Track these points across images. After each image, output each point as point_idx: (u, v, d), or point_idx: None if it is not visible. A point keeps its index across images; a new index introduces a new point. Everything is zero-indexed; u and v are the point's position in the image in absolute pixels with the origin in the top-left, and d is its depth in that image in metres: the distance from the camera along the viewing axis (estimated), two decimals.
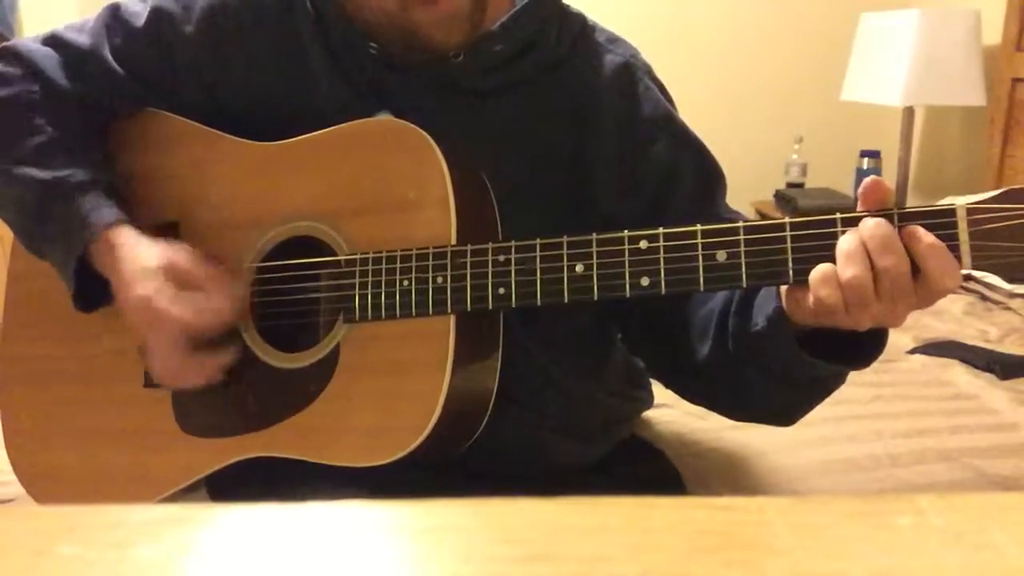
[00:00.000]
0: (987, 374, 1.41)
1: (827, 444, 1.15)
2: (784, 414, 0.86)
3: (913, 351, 1.53)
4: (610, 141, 0.86)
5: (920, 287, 0.65)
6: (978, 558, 0.31)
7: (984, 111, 2.42)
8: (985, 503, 0.36)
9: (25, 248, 0.91)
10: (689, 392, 0.93)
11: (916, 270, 0.64)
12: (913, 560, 0.31)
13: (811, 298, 0.67)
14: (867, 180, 0.67)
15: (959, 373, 1.42)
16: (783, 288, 0.71)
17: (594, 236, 0.73)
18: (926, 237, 0.64)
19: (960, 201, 0.64)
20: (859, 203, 0.67)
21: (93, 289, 0.85)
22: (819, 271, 0.66)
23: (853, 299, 0.64)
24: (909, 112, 2.55)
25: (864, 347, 0.72)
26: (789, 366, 0.74)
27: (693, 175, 0.88)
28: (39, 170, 0.86)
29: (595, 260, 0.73)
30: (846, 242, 0.65)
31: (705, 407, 0.93)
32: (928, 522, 0.33)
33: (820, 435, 1.17)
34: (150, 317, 0.80)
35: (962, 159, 2.69)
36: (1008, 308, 1.77)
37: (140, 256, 0.82)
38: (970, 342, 1.56)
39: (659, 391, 1.05)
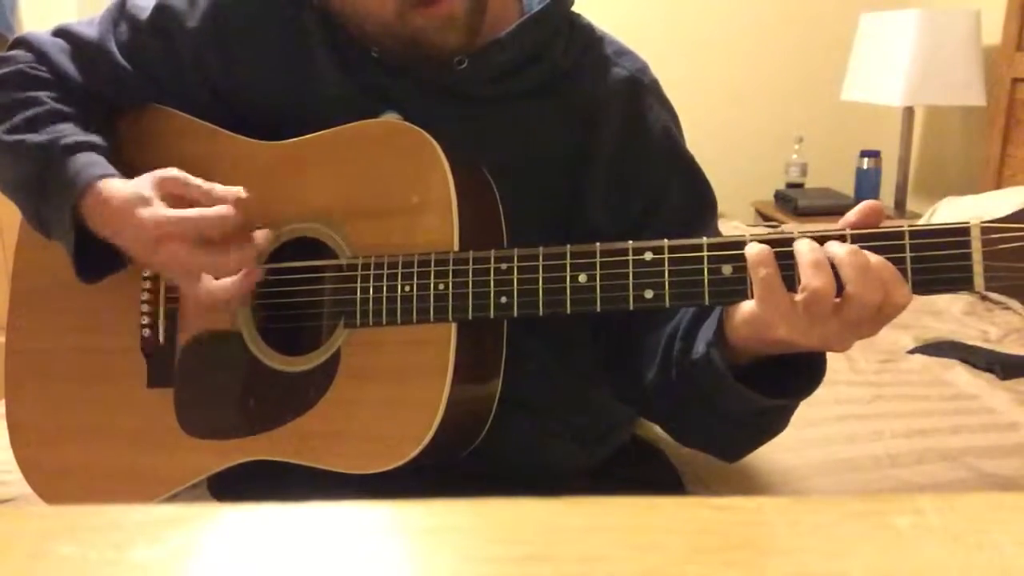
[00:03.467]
0: (987, 374, 1.41)
1: (827, 444, 1.15)
2: (723, 448, 0.85)
3: (913, 351, 1.53)
4: (607, 156, 0.85)
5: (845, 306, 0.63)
6: (978, 558, 0.31)
7: (984, 111, 2.42)
8: (985, 503, 0.36)
9: (30, 224, 0.89)
10: (643, 414, 0.93)
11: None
12: (913, 560, 0.31)
13: (754, 308, 0.66)
14: (864, 205, 0.66)
15: (959, 373, 1.42)
16: (727, 307, 0.70)
17: (598, 246, 0.72)
18: (839, 250, 0.63)
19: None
20: (851, 214, 0.66)
21: (96, 259, 0.84)
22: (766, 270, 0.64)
23: (812, 308, 0.63)
24: (909, 112, 2.55)
25: (801, 379, 0.71)
26: (725, 396, 0.72)
27: (682, 198, 0.87)
28: (34, 134, 0.85)
29: (598, 271, 0.72)
30: (811, 253, 0.64)
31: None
32: (928, 522, 0.33)
33: (820, 435, 1.17)
34: (156, 233, 0.76)
35: (962, 159, 2.69)
36: (1008, 308, 1.77)
37: (131, 188, 0.79)
38: (970, 342, 1.56)
39: None
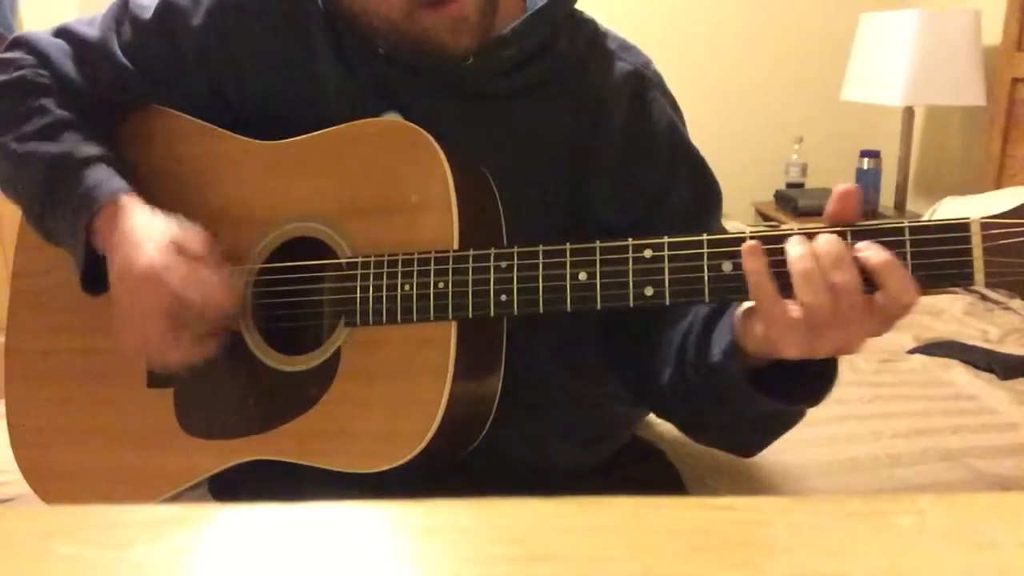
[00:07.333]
0: (987, 374, 1.41)
1: (827, 444, 1.16)
2: (739, 446, 0.86)
3: (913, 351, 1.53)
4: (613, 150, 0.85)
5: (876, 306, 0.63)
6: (978, 558, 0.31)
7: (984, 111, 2.42)
8: (985, 503, 0.36)
9: (34, 229, 0.90)
10: (655, 412, 0.93)
11: (873, 290, 0.63)
12: (913, 560, 0.31)
13: (759, 327, 0.66)
14: (839, 189, 0.66)
15: (959, 373, 1.42)
16: (736, 316, 0.70)
17: (598, 244, 0.72)
18: (880, 253, 0.62)
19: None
20: (829, 204, 0.66)
21: (101, 271, 0.84)
22: (765, 295, 0.64)
23: (811, 321, 0.63)
24: (909, 112, 2.55)
25: (815, 383, 0.71)
26: (740, 401, 0.73)
27: (688, 191, 0.87)
28: (45, 144, 0.86)
29: (598, 268, 0.72)
30: (800, 262, 0.63)
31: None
32: (928, 522, 0.33)
33: (820, 435, 1.17)
34: (153, 284, 0.77)
35: (962, 159, 2.69)
36: (1008, 308, 1.77)
37: (149, 224, 0.80)
38: (970, 342, 1.56)
39: None
